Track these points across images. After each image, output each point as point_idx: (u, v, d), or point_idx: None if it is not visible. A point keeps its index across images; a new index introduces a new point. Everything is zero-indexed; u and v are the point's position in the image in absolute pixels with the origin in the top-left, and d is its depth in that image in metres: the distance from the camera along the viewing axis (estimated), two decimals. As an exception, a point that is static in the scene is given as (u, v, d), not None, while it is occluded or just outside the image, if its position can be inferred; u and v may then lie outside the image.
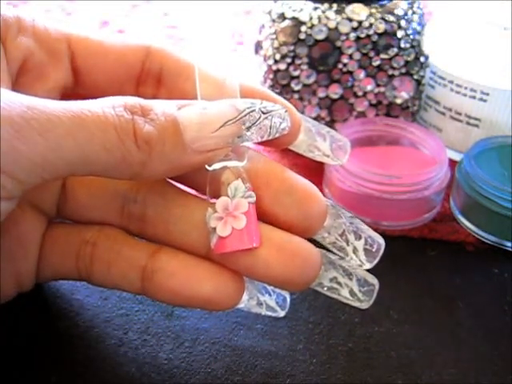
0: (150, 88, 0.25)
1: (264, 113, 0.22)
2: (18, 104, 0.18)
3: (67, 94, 0.25)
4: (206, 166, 0.22)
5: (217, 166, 0.22)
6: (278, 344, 0.26)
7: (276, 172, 0.23)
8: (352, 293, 0.25)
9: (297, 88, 0.35)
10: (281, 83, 0.35)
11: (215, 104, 0.22)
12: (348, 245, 0.24)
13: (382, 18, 0.35)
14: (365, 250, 0.24)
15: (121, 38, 0.25)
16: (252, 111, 0.22)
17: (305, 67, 0.35)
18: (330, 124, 0.37)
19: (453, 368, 0.25)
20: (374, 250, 0.24)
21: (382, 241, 0.25)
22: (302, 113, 0.36)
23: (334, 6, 0.35)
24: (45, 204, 0.25)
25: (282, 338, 0.26)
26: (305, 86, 0.35)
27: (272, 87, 0.36)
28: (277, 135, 0.23)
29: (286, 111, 0.23)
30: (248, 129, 0.21)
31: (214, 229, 0.22)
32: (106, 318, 0.27)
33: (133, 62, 0.25)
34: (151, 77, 0.25)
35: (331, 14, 0.34)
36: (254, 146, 0.24)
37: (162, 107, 0.21)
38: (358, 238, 0.24)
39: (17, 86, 0.23)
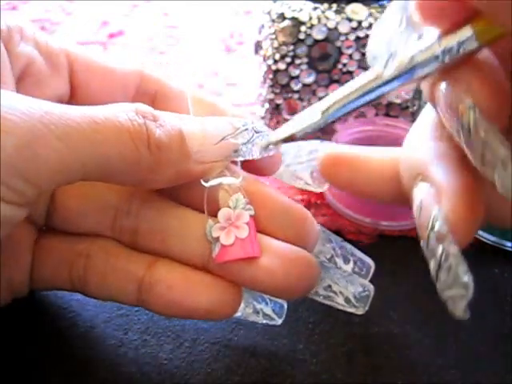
0: None
1: (256, 132, 0.23)
2: (37, 109, 0.18)
3: None
4: (203, 182, 0.23)
5: (213, 182, 0.23)
6: (278, 344, 0.26)
7: (270, 193, 0.24)
8: (347, 300, 0.26)
9: (296, 88, 0.35)
10: (280, 83, 0.35)
11: (214, 119, 0.23)
12: (337, 268, 0.26)
13: (382, 18, 0.35)
14: (354, 272, 0.26)
15: (116, 59, 0.26)
16: (246, 129, 0.23)
17: (304, 67, 0.35)
18: (330, 124, 0.37)
19: (453, 368, 0.25)
20: (363, 272, 0.26)
21: (371, 263, 0.26)
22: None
23: (334, 5, 0.35)
24: (34, 213, 0.25)
25: (282, 338, 0.26)
26: (304, 85, 0.35)
27: (272, 87, 0.36)
28: (264, 155, 0.23)
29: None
30: (243, 145, 0.23)
31: (217, 238, 0.23)
32: (106, 318, 0.27)
33: (128, 84, 0.25)
34: (146, 98, 0.25)
35: (331, 13, 0.34)
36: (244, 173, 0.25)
37: (167, 116, 0.22)
38: (347, 261, 0.26)
39: (16, 91, 0.23)
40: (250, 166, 0.25)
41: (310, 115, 0.21)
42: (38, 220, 0.25)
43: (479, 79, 0.18)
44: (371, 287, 0.26)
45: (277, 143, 0.23)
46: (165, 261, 0.24)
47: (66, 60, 0.24)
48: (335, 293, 0.25)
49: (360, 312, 0.26)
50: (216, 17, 0.57)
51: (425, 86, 0.20)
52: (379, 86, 0.20)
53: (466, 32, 0.18)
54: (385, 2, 0.35)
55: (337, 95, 0.21)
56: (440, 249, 0.18)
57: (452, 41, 0.18)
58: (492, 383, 0.24)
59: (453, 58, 0.18)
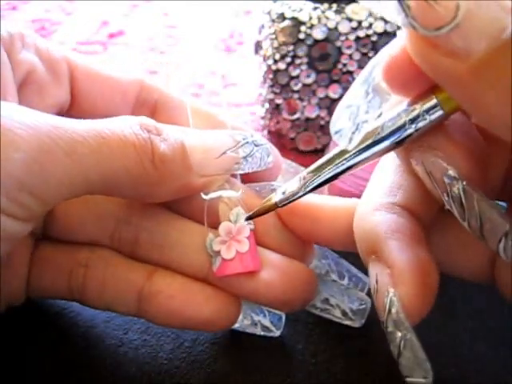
0: None
1: (256, 145, 0.23)
2: (44, 123, 0.18)
3: (61, 116, 0.25)
4: (203, 195, 0.23)
5: (213, 195, 0.23)
6: (277, 344, 0.26)
7: None
8: (344, 313, 0.26)
9: (296, 88, 0.35)
10: (280, 83, 0.35)
11: (215, 133, 0.23)
12: (334, 281, 0.26)
13: (382, 18, 0.34)
14: (348, 288, 0.26)
15: (116, 69, 0.26)
16: (246, 142, 0.23)
17: (304, 67, 0.35)
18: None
19: (453, 368, 0.25)
20: (358, 289, 0.26)
21: (367, 280, 0.26)
22: (302, 113, 0.36)
23: (334, 5, 0.35)
24: None
25: (282, 339, 0.26)
26: (304, 85, 0.35)
27: (272, 87, 0.36)
28: (264, 168, 0.24)
29: (270, 147, 0.24)
30: (244, 158, 0.23)
31: (218, 252, 0.23)
32: (105, 318, 0.27)
33: (129, 92, 0.25)
34: (146, 107, 0.26)
35: (331, 13, 0.34)
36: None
37: (170, 129, 0.22)
38: (342, 277, 0.26)
39: (18, 98, 0.23)
40: (248, 176, 0.25)
41: (292, 185, 0.22)
42: (36, 231, 0.25)
43: (456, 146, 0.18)
44: (368, 300, 0.26)
45: (260, 214, 0.23)
46: (164, 271, 0.24)
47: (66, 68, 0.24)
48: (332, 306, 0.26)
49: (357, 325, 0.26)
50: (216, 17, 0.57)
51: (400, 154, 0.20)
52: (348, 159, 0.20)
53: (431, 101, 0.18)
54: (385, 2, 0.35)
55: (312, 167, 0.21)
56: (398, 335, 0.18)
57: (418, 110, 0.19)
58: (492, 383, 0.24)
59: (421, 126, 0.19)
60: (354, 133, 0.18)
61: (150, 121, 0.21)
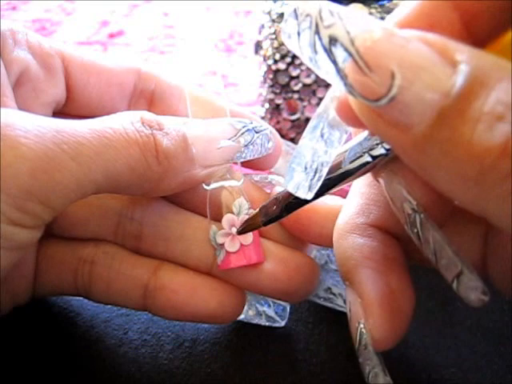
0: (141, 108, 0.25)
1: (257, 132, 0.23)
2: (48, 129, 0.18)
3: (58, 112, 0.25)
4: (204, 186, 0.23)
5: (215, 185, 0.23)
6: (277, 344, 0.26)
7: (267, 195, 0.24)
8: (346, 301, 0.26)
9: (296, 88, 0.35)
10: (280, 83, 0.35)
11: (215, 122, 0.23)
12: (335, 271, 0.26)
13: (382, 18, 0.34)
14: None
15: (112, 58, 0.25)
16: (247, 130, 0.23)
17: (304, 67, 0.35)
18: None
19: (453, 368, 0.25)
20: None
21: None
22: (302, 113, 0.36)
23: (334, 5, 0.35)
24: None
25: (282, 338, 0.26)
26: (304, 85, 0.35)
27: (272, 87, 0.36)
28: (264, 154, 0.24)
29: (270, 132, 0.24)
30: (245, 146, 0.23)
31: (222, 245, 0.23)
32: (105, 317, 0.27)
33: (125, 82, 0.25)
34: (143, 97, 0.25)
35: (331, 13, 0.34)
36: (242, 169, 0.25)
37: (171, 122, 0.21)
38: None
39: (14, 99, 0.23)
40: (248, 162, 0.25)
41: (273, 209, 0.22)
42: None
43: (416, 175, 0.18)
44: None
45: (246, 231, 0.23)
46: (169, 265, 0.24)
47: (60, 63, 0.24)
48: (334, 295, 0.26)
49: None
50: (216, 17, 0.57)
51: (372, 175, 0.20)
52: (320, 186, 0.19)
53: None
54: (385, 2, 0.35)
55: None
56: (367, 367, 0.19)
57: (376, 139, 0.19)
58: (492, 383, 0.24)
59: (377, 155, 0.19)
60: (312, 179, 0.18)
61: (151, 115, 0.21)
